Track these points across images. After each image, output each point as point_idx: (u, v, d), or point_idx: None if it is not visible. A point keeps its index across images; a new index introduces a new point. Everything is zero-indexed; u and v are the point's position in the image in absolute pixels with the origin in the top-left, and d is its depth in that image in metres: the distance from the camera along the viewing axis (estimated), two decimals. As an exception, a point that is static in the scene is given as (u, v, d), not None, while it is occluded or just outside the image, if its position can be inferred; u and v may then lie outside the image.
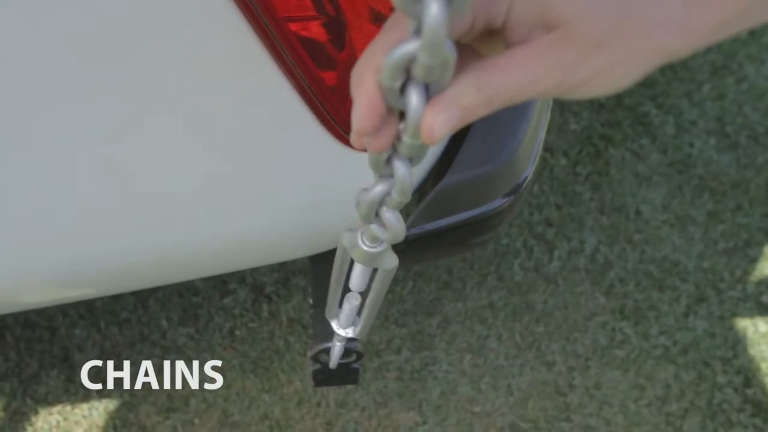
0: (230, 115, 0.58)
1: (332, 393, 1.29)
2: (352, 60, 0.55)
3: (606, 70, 0.32)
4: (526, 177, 0.72)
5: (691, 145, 1.59)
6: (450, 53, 0.28)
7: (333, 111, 0.57)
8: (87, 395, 1.29)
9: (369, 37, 0.52)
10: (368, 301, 0.56)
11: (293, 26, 0.52)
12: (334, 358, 0.70)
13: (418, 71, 0.28)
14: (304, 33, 0.52)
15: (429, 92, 0.30)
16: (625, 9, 0.31)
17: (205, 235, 0.70)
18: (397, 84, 0.29)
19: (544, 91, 0.32)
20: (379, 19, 0.51)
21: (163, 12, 0.49)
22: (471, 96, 0.31)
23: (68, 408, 1.28)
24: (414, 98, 0.29)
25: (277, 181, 0.65)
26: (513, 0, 0.31)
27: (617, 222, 1.49)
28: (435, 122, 0.30)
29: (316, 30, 0.52)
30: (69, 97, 0.54)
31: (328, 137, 0.59)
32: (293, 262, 1.42)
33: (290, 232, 0.72)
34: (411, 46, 0.28)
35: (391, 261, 0.48)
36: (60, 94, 0.54)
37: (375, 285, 0.53)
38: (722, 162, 1.57)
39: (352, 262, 0.53)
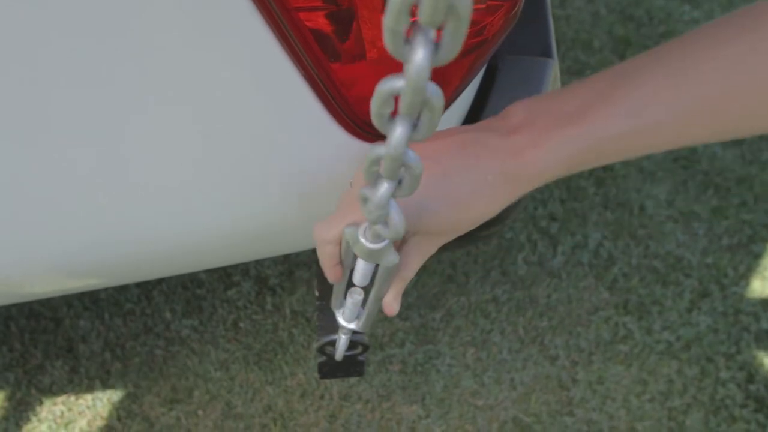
0: (237, 104, 0.58)
1: (335, 386, 1.30)
2: (357, 51, 0.55)
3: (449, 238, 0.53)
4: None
5: (696, 140, 1.59)
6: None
7: (342, 101, 0.57)
8: (91, 386, 1.30)
9: (380, 28, 0.52)
10: (371, 296, 0.56)
11: (301, 16, 0.52)
12: (340, 350, 0.70)
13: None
14: (309, 24, 0.52)
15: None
16: (451, 220, 0.49)
17: (209, 225, 0.70)
18: (403, 28, 0.29)
19: (429, 256, 0.54)
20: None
21: (173, 1, 0.49)
22: (399, 287, 0.54)
23: (72, 398, 1.28)
24: (419, 53, 0.29)
25: (283, 171, 0.65)
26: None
27: (621, 217, 1.49)
28: (391, 305, 0.55)
29: (321, 21, 0.52)
30: (75, 85, 0.54)
31: (335, 128, 0.59)
32: (297, 254, 1.42)
33: (295, 223, 0.72)
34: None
35: (392, 258, 0.48)
36: (66, 81, 0.54)
37: (377, 280, 0.53)
38: (727, 158, 1.57)
39: (355, 257, 0.53)
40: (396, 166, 0.37)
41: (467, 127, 0.50)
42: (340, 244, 0.53)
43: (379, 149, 0.36)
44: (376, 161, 0.38)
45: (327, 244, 0.53)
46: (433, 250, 0.52)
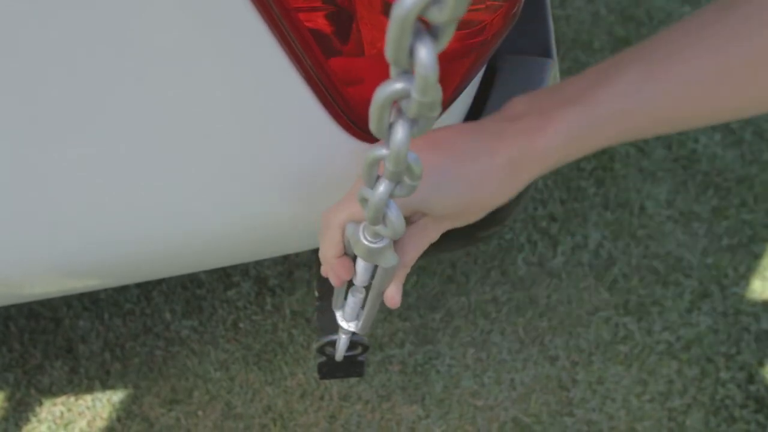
0: (236, 105, 0.58)
1: (335, 386, 1.30)
2: (357, 52, 0.54)
3: (466, 222, 0.53)
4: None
5: (696, 140, 1.59)
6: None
7: (341, 102, 0.57)
8: (91, 386, 1.30)
9: (379, 29, 0.52)
10: (369, 297, 0.56)
11: (301, 16, 0.52)
12: (340, 351, 0.70)
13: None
14: (309, 24, 0.52)
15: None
16: (462, 202, 0.50)
17: (208, 225, 0.70)
18: (406, 45, 0.29)
19: (434, 240, 0.53)
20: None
21: (173, 2, 0.49)
22: (400, 275, 0.54)
23: (72, 399, 1.28)
24: (423, 53, 0.29)
25: (282, 171, 0.64)
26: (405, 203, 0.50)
27: (621, 217, 1.49)
28: (394, 298, 0.54)
29: (321, 21, 0.52)
30: (75, 85, 0.54)
31: (335, 128, 0.59)
32: (296, 255, 1.42)
33: (295, 224, 0.72)
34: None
35: (391, 259, 0.48)
36: (66, 82, 0.54)
37: (375, 281, 0.53)
38: (727, 158, 1.57)
39: (356, 257, 0.53)
40: (400, 168, 0.37)
41: (471, 122, 0.52)
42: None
43: (379, 151, 0.36)
44: (375, 163, 0.38)
45: (334, 229, 0.52)
46: (435, 236, 0.53)
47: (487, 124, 0.50)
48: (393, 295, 0.54)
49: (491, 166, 0.48)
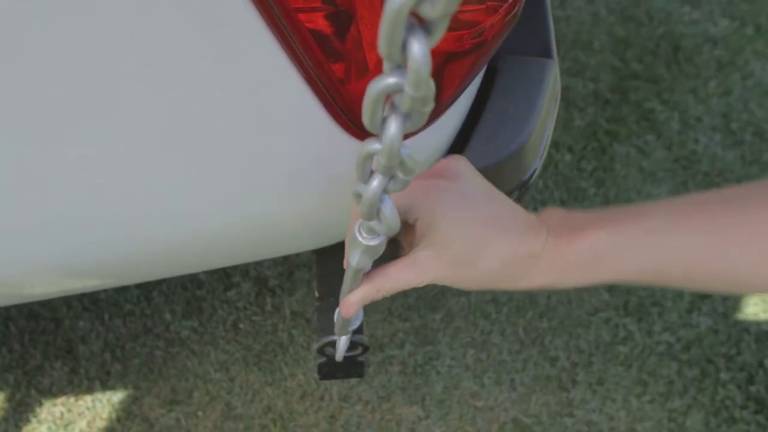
0: (236, 105, 0.58)
1: (335, 387, 1.30)
2: (357, 52, 0.54)
3: (454, 282, 0.52)
4: (534, 171, 0.72)
5: (696, 141, 1.59)
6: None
7: (341, 102, 0.57)
8: (91, 387, 1.30)
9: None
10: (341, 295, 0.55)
11: (301, 17, 0.52)
12: (340, 351, 0.70)
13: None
14: (309, 24, 0.52)
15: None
16: (463, 251, 0.49)
17: (209, 226, 0.70)
18: (399, 42, 0.30)
19: (418, 285, 0.51)
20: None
21: (174, 2, 0.49)
22: (368, 293, 0.51)
23: (72, 400, 1.28)
24: (416, 47, 0.29)
25: (282, 172, 0.65)
26: (420, 214, 0.49)
27: (621, 218, 1.49)
28: (348, 305, 0.51)
29: (321, 22, 0.52)
30: (76, 85, 0.54)
31: (335, 128, 0.59)
32: (297, 255, 1.42)
33: (294, 224, 0.72)
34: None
35: (362, 261, 0.48)
36: (67, 82, 0.54)
37: (345, 277, 0.52)
38: (727, 158, 1.57)
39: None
40: (393, 162, 0.37)
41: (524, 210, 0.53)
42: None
43: (372, 145, 0.37)
44: (369, 157, 0.38)
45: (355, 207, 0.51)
46: (420, 280, 0.50)
47: (533, 217, 0.51)
48: (349, 304, 0.51)
49: (512, 252, 0.49)
